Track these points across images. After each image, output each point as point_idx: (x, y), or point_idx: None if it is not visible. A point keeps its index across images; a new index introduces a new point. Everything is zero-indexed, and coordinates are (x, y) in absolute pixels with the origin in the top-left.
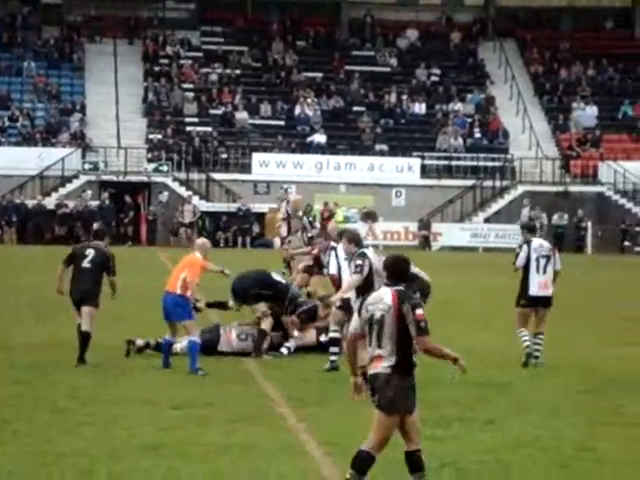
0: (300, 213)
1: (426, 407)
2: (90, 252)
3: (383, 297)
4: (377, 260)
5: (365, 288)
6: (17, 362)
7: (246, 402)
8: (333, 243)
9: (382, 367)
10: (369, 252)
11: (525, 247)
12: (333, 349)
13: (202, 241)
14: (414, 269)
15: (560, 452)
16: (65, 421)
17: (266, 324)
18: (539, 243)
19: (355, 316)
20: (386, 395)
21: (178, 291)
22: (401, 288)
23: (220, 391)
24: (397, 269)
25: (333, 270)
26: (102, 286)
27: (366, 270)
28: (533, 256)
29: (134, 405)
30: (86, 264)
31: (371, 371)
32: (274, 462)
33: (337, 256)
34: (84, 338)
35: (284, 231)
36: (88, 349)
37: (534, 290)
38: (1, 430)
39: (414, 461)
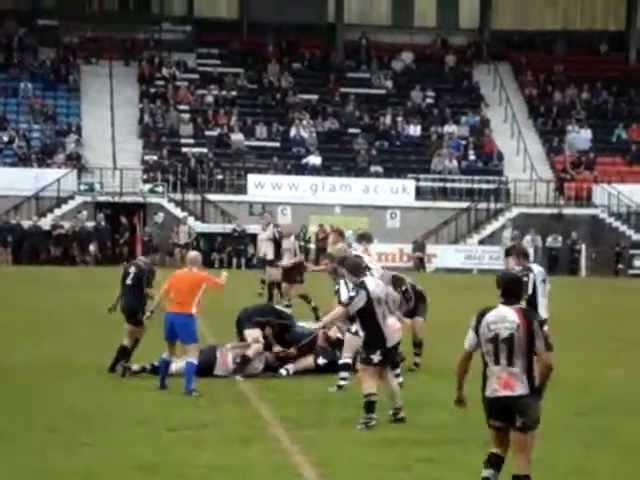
0: (292, 238)
1: (420, 429)
2: (132, 269)
3: (506, 315)
4: (380, 288)
5: (367, 318)
6: (13, 381)
7: (241, 423)
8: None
9: (519, 388)
10: (369, 282)
11: (531, 275)
12: (343, 374)
13: (195, 254)
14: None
15: (555, 474)
16: (62, 440)
17: (252, 351)
18: (537, 268)
19: (470, 333)
20: (532, 415)
21: (193, 310)
22: (522, 306)
23: (215, 412)
24: (513, 287)
25: (344, 298)
26: (144, 302)
27: (360, 303)
28: (538, 280)
29: (130, 425)
30: (128, 282)
31: (504, 393)
32: None
33: (346, 283)
34: (120, 350)
35: (270, 253)
36: (123, 360)
37: (544, 314)
38: None
39: None
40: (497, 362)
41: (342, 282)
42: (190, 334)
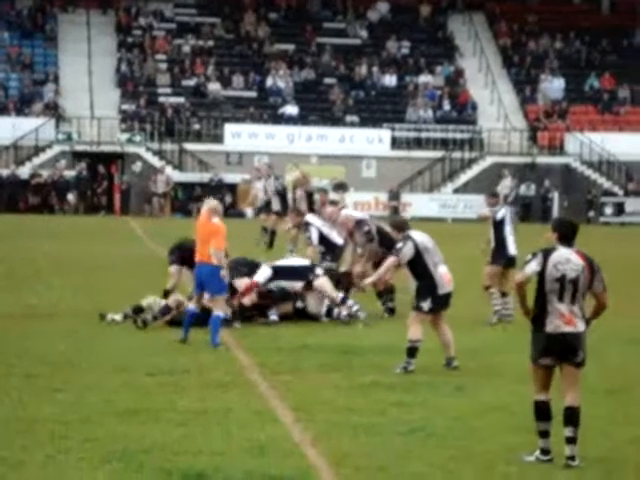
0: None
1: (395, 374)
2: None
3: (570, 258)
4: (426, 238)
5: (418, 267)
6: None
7: (219, 369)
8: (307, 218)
9: (580, 325)
10: (414, 233)
11: (503, 210)
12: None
13: (215, 203)
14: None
15: (527, 417)
16: (38, 387)
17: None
18: (508, 208)
19: (534, 265)
20: (585, 352)
21: (214, 261)
22: (580, 249)
23: (194, 359)
24: (571, 230)
25: (316, 242)
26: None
27: (409, 253)
28: (508, 219)
29: (108, 372)
30: None
31: (568, 329)
32: (246, 428)
33: (318, 228)
34: None
35: (277, 205)
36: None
37: (512, 250)
38: None
39: (573, 415)
40: (561, 299)
41: (313, 229)
42: (216, 285)
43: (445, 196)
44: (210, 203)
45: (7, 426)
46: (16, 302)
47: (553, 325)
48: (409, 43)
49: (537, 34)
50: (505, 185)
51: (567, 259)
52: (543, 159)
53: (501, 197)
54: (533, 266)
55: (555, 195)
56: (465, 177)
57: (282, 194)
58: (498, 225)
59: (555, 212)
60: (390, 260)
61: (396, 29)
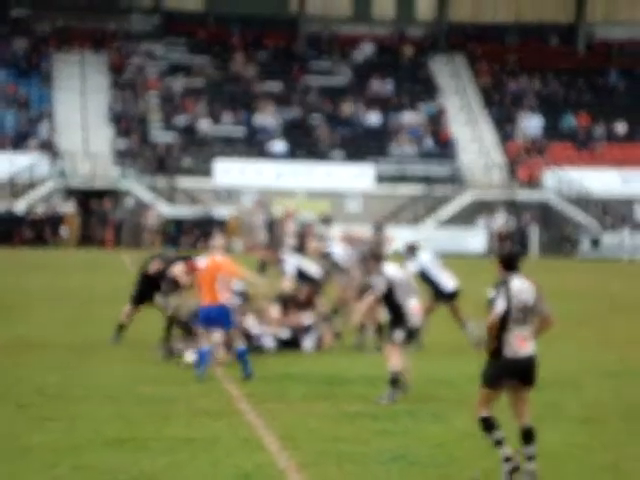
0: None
1: (377, 403)
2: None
3: (525, 285)
4: (399, 273)
5: (391, 303)
6: None
7: (207, 398)
8: (283, 256)
9: (532, 349)
10: (388, 269)
11: (418, 261)
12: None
13: (219, 241)
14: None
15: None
16: (30, 417)
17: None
18: (425, 254)
19: (502, 302)
20: (536, 373)
21: (222, 300)
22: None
23: (182, 388)
24: (514, 260)
25: (290, 275)
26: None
27: (382, 288)
28: (429, 265)
29: (98, 401)
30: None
31: (526, 352)
32: (233, 456)
33: (293, 264)
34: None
35: (264, 237)
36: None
37: (450, 286)
38: None
39: (532, 435)
40: (521, 326)
41: (288, 265)
42: (226, 322)
43: (427, 230)
44: (213, 241)
45: None
46: (9, 333)
47: (512, 350)
48: (393, 82)
49: (516, 74)
50: (500, 222)
51: (523, 286)
52: (522, 194)
53: (417, 248)
54: (501, 305)
55: (534, 229)
56: (447, 212)
57: (270, 227)
58: (423, 275)
59: (534, 246)
60: (369, 298)
61: (380, 69)
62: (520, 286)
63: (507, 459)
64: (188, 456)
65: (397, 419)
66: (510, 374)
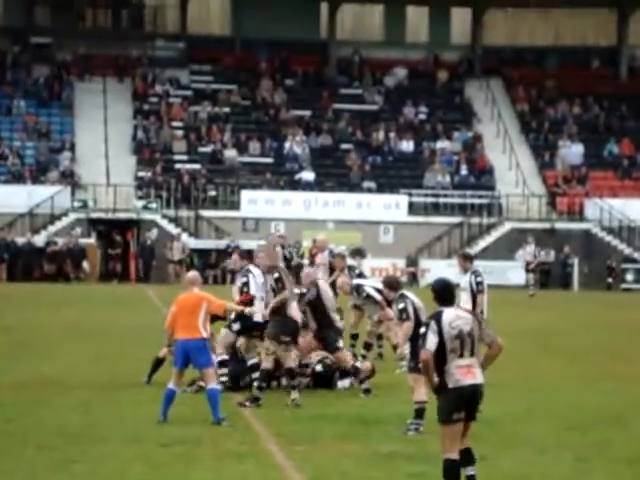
0: (325, 252)
1: (413, 443)
2: None
3: (458, 314)
4: (417, 300)
5: (415, 330)
6: (3, 400)
7: (234, 439)
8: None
9: (479, 376)
10: (409, 294)
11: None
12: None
13: (193, 274)
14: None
15: None
16: (52, 459)
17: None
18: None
19: (432, 336)
20: (479, 404)
21: (203, 334)
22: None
23: (208, 428)
24: (450, 292)
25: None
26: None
27: (411, 311)
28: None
29: (122, 443)
30: None
31: (471, 381)
32: None
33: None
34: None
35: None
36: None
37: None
38: None
39: (471, 455)
40: (461, 355)
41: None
42: (204, 359)
43: None
44: (188, 275)
45: None
46: (30, 371)
47: (453, 381)
48: (426, 109)
49: (555, 99)
50: (528, 252)
51: (456, 315)
52: (562, 225)
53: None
54: (432, 339)
55: (575, 261)
56: (484, 243)
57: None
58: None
59: (575, 279)
60: (405, 325)
61: (413, 94)
62: (453, 316)
63: None
64: None
65: (434, 461)
66: (457, 405)
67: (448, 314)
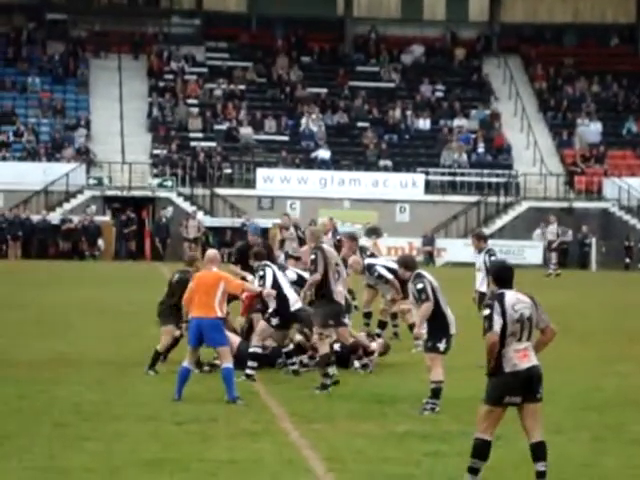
0: (329, 234)
1: (428, 422)
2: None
3: (519, 297)
4: (434, 279)
5: (435, 312)
6: (19, 378)
7: (249, 418)
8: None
9: (534, 359)
10: (425, 273)
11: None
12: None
13: (213, 252)
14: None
15: (563, 469)
16: (67, 436)
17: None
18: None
19: (497, 318)
20: (540, 385)
21: (219, 314)
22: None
23: (223, 407)
24: (508, 273)
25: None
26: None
27: (430, 291)
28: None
29: (137, 421)
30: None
31: (527, 364)
32: (277, 478)
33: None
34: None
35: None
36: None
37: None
38: (3, 445)
39: (543, 450)
40: (519, 339)
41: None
42: (218, 337)
43: None
44: (207, 253)
45: (36, 475)
46: (46, 349)
47: (510, 365)
48: (443, 86)
49: (573, 77)
50: (550, 231)
51: (518, 299)
52: (580, 204)
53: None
54: (498, 320)
55: (593, 241)
56: (501, 222)
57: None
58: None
59: (593, 258)
60: (425, 306)
61: (430, 72)
62: (514, 299)
63: None
64: (231, 478)
65: (450, 440)
66: (512, 389)
67: (510, 297)
